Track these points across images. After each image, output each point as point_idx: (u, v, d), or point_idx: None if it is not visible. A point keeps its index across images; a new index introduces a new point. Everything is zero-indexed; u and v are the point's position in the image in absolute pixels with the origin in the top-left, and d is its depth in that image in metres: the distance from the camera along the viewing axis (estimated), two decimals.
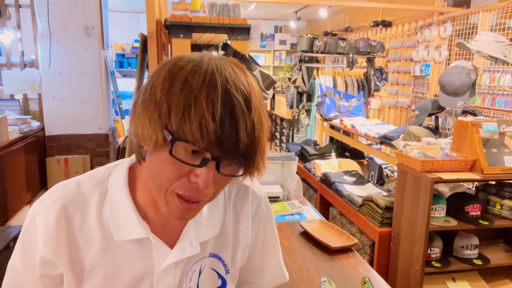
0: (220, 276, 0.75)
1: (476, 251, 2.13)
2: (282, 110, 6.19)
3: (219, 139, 0.51)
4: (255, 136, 0.54)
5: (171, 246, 0.68)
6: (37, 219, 0.64)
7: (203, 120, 0.50)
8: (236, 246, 0.77)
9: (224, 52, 2.38)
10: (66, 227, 0.64)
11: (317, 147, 3.70)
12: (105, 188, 0.67)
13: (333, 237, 1.52)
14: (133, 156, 0.68)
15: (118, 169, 0.69)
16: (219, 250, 0.75)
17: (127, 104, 5.49)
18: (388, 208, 2.27)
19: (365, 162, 3.61)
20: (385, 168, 3.19)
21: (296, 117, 4.36)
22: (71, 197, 0.65)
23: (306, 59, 4.04)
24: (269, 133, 0.60)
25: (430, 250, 2.07)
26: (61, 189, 0.66)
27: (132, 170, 0.69)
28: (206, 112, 0.50)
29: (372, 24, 5.33)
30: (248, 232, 0.78)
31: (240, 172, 0.57)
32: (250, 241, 0.80)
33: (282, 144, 6.49)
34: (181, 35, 2.26)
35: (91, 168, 3.93)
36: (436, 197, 2.09)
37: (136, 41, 6.86)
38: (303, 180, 3.31)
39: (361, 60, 4.49)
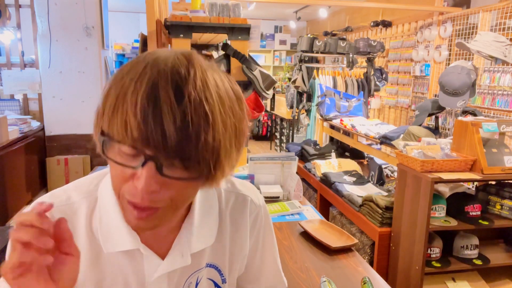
0: (217, 285, 0.74)
1: (476, 251, 2.13)
2: (282, 110, 6.20)
3: (144, 135, 0.47)
4: (190, 130, 0.47)
5: (163, 256, 0.66)
6: None
7: (126, 116, 0.47)
8: (233, 256, 0.75)
9: (224, 52, 2.38)
10: None
11: (317, 147, 3.70)
12: (94, 198, 0.65)
13: (333, 237, 1.52)
14: None
15: (107, 177, 0.65)
16: (216, 259, 0.73)
17: None
18: (388, 208, 2.27)
19: (365, 162, 3.61)
20: (385, 168, 3.19)
21: (296, 117, 4.36)
22: (60, 207, 0.63)
23: (306, 59, 4.04)
24: (242, 133, 0.54)
25: (430, 250, 2.07)
26: (50, 200, 0.63)
27: None
28: (129, 107, 0.47)
29: (372, 24, 5.33)
30: (246, 242, 0.77)
31: (191, 176, 0.51)
32: (249, 250, 0.78)
33: (282, 144, 6.49)
34: (181, 35, 2.27)
35: (91, 168, 3.94)
36: (436, 197, 2.09)
37: (136, 41, 6.85)
38: (303, 180, 3.31)
39: (361, 60, 4.48)
